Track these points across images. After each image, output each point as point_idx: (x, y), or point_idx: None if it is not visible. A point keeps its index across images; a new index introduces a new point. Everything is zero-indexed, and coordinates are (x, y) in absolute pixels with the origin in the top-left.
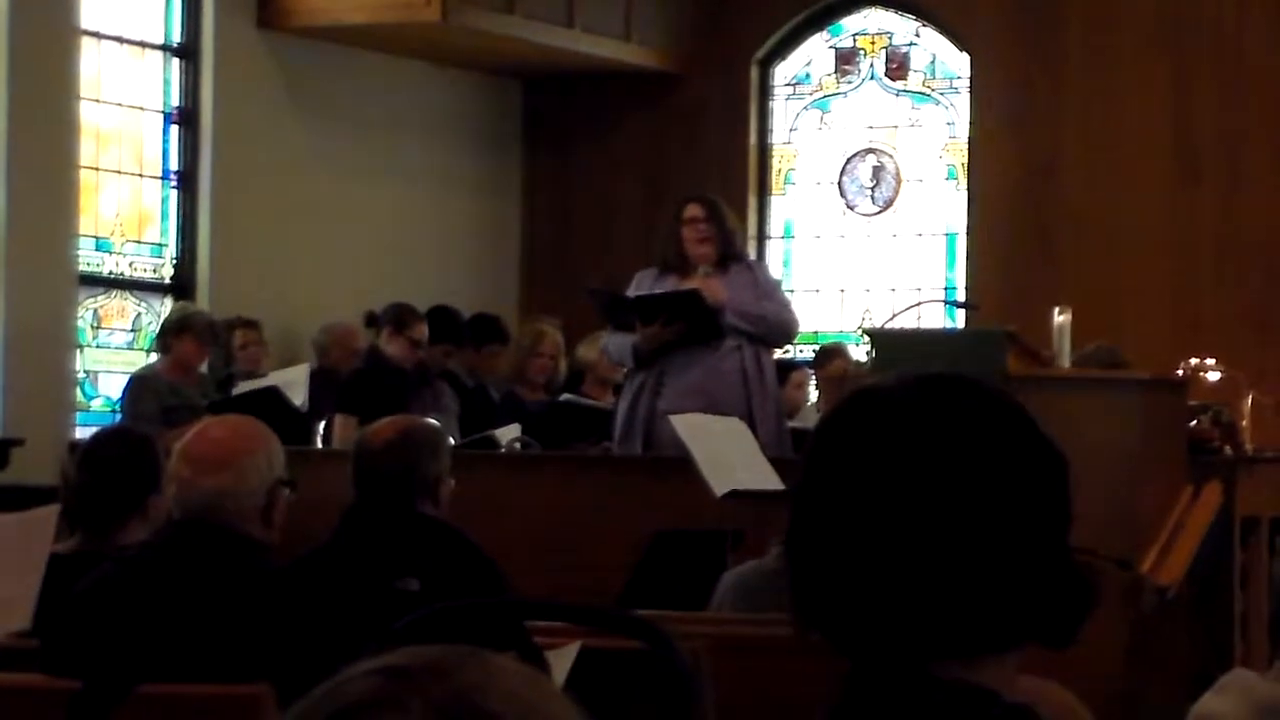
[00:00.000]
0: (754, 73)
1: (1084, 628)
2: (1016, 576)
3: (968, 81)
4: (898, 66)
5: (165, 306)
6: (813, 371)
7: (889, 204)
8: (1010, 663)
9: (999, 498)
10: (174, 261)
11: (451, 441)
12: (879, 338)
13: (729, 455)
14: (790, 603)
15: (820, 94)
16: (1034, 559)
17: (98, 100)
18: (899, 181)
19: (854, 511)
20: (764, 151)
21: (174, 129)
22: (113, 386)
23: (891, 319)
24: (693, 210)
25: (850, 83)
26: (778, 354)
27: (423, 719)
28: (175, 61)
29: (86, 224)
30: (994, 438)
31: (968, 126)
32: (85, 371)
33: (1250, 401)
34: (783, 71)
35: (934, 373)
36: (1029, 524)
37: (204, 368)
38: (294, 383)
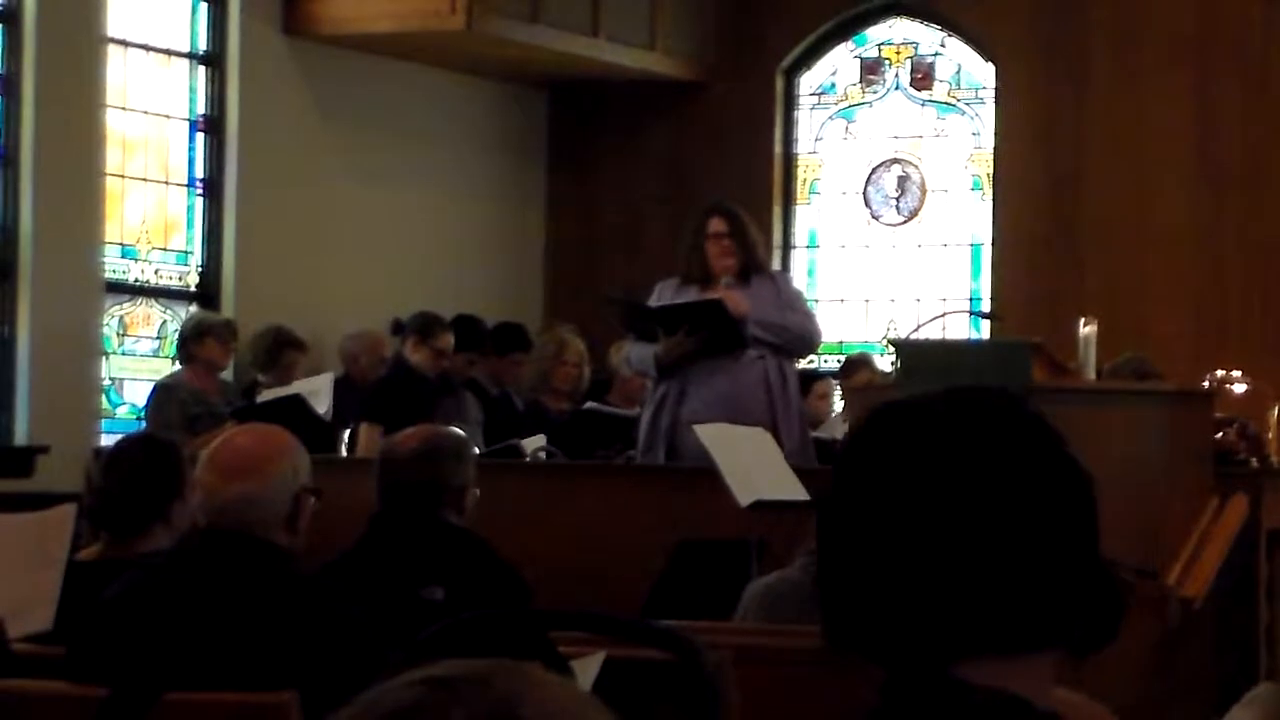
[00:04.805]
0: (779, 82)
1: (1113, 639)
2: (1037, 581)
3: (993, 92)
4: (923, 76)
5: (191, 314)
6: (837, 382)
7: (914, 214)
8: (1042, 672)
9: (1018, 506)
10: (199, 269)
11: (476, 451)
12: (904, 348)
13: (753, 465)
14: (822, 624)
15: (845, 104)
16: (1055, 565)
17: (124, 108)
18: (924, 191)
19: (880, 521)
20: (789, 161)
21: (200, 136)
22: (138, 394)
23: (916, 329)
24: (716, 225)
25: (875, 92)
26: (802, 364)
27: None
28: (201, 69)
29: (112, 231)
30: (1015, 450)
31: (993, 136)
32: (110, 379)
33: (1277, 413)
34: (808, 81)
35: (960, 386)
36: (1049, 532)
37: (229, 374)
38: (318, 391)
